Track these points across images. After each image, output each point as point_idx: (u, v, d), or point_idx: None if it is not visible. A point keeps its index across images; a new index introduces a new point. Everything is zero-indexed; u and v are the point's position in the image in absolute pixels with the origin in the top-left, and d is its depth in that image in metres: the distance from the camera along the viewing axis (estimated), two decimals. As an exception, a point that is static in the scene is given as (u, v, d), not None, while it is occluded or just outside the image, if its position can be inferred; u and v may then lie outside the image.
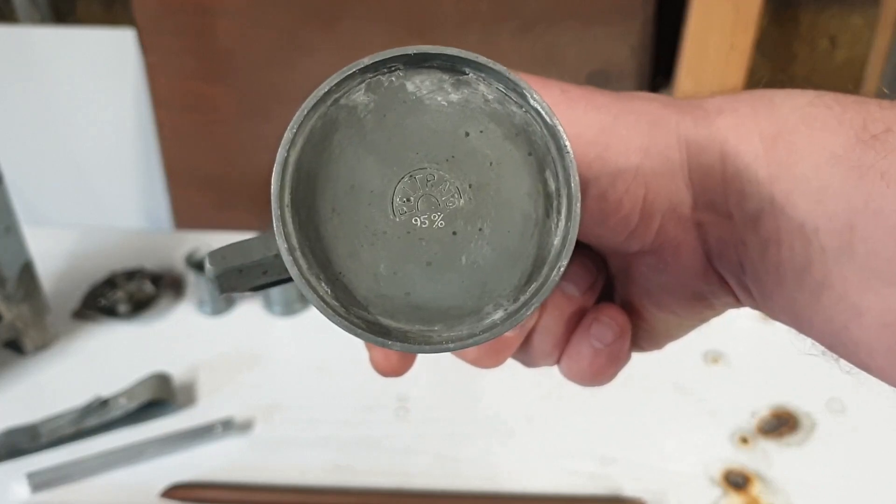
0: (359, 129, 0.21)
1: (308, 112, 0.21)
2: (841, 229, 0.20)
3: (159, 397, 0.60)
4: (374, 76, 0.21)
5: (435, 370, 0.65)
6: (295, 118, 0.22)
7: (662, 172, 0.22)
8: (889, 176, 0.19)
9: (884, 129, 0.20)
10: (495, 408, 0.62)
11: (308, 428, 0.60)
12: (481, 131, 0.21)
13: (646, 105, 0.23)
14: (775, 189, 0.21)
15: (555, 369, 0.29)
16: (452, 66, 0.21)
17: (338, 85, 0.22)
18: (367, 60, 0.21)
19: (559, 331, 0.27)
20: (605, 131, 0.23)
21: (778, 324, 0.75)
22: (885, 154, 0.20)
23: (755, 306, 0.25)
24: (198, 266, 0.69)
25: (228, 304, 0.71)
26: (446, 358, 0.69)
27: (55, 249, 0.77)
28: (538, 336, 0.27)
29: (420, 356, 0.27)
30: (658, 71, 1.28)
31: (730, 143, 0.22)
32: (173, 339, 0.69)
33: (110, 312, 0.70)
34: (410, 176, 0.21)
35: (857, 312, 0.20)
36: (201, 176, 1.39)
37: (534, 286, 0.20)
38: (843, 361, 0.22)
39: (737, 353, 0.67)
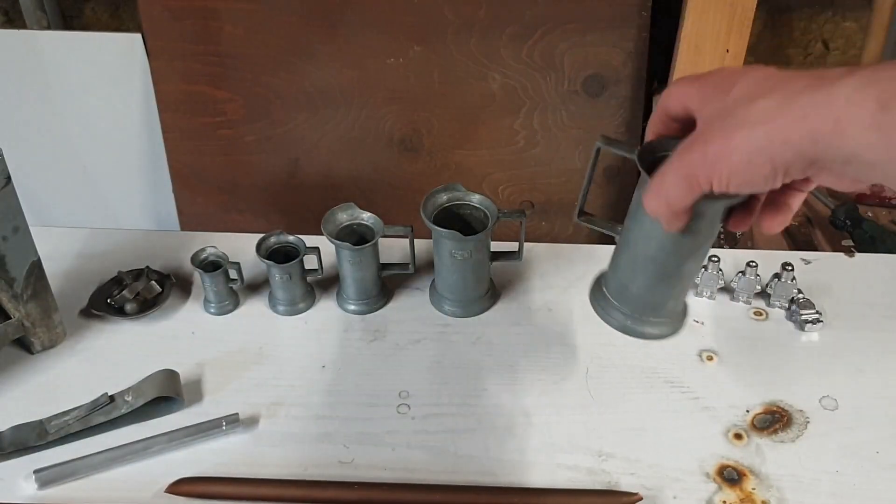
0: None
1: None
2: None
3: (166, 394, 0.61)
4: None
5: (436, 368, 0.67)
6: None
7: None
8: None
9: None
10: (494, 404, 0.63)
11: (311, 424, 0.62)
12: None
13: (809, 106, 0.36)
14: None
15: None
16: None
17: None
18: None
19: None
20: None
21: (771, 323, 0.77)
22: None
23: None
24: (203, 266, 0.70)
25: (233, 303, 0.72)
26: (446, 356, 0.70)
27: (63, 249, 0.78)
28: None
29: None
30: (654, 75, 1.29)
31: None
32: (179, 337, 0.70)
33: (117, 311, 0.71)
34: None
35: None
36: (207, 179, 1.40)
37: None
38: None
39: (731, 352, 0.68)
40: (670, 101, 0.45)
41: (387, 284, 0.74)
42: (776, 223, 0.45)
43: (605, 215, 1.51)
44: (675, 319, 0.53)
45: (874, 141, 0.34)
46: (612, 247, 0.53)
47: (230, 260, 0.71)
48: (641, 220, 0.49)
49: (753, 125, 0.37)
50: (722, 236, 1.24)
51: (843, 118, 0.34)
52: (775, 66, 0.40)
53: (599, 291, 0.55)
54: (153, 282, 0.73)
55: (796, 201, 0.45)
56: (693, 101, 0.43)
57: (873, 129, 0.33)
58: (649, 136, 0.47)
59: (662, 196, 0.42)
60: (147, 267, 0.74)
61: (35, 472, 0.57)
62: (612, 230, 0.55)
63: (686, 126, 0.44)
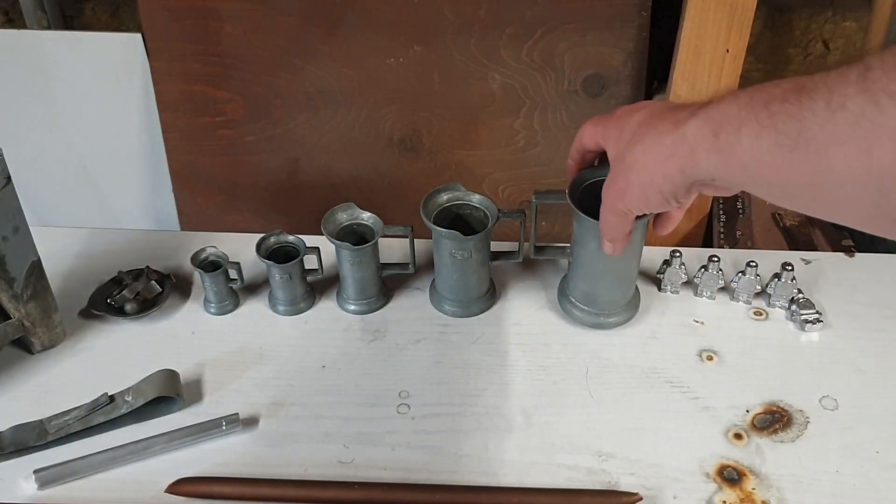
0: None
1: None
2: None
3: (166, 394, 0.61)
4: None
5: (436, 368, 0.67)
6: None
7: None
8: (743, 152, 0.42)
9: (734, 129, 0.42)
10: (494, 404, 0.63)
11: (311, 424, 0.62)
12: None
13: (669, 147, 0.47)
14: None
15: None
16: None
17: None
18: None
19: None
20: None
21: (771, 323, 0.77)
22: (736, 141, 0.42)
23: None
24: (203, 266, 0.70)
25: (233, 303, 0.72)
26: (446, 356, 0.70)
27: (63, 249, 0.78)
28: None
29: None
30: (654, 75, 1.29)
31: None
32: (179, 337, 0.70)
33: (117, 311, 0.71)
34: None
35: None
36: (207, 179, 1.40)
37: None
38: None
39: (731, 351, 0.68)
40: (584, 139, 0.59)
41: (387, 284, 0.74)
42: (664, 228, 0.61)
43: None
44: (636, 302, 0.70)
45: (715, 161, 0.44)
46: None
47: (230, 260, 0.71)
48: (588, 245, 0.63)
49: (639, 168, 0.50)
50: (722, 237, 1.24)
51: (695, 149, 0.45)
52: (666, 103, 0.51)
53: (568, 302, 0.69)
54: (153, 282, 0.73)
55: (677, 213, 0.59)
56: (601, 138, 0.57)
57: (713, 153, 0.44)
58: (571, 166, 0.62)
59: (611, 231, 0.57)
60: (147, 267, 0.74)
61: (35, 472, 0.57)
62: (562, 255, 0.73)
63: (599, 155, 0.60)
